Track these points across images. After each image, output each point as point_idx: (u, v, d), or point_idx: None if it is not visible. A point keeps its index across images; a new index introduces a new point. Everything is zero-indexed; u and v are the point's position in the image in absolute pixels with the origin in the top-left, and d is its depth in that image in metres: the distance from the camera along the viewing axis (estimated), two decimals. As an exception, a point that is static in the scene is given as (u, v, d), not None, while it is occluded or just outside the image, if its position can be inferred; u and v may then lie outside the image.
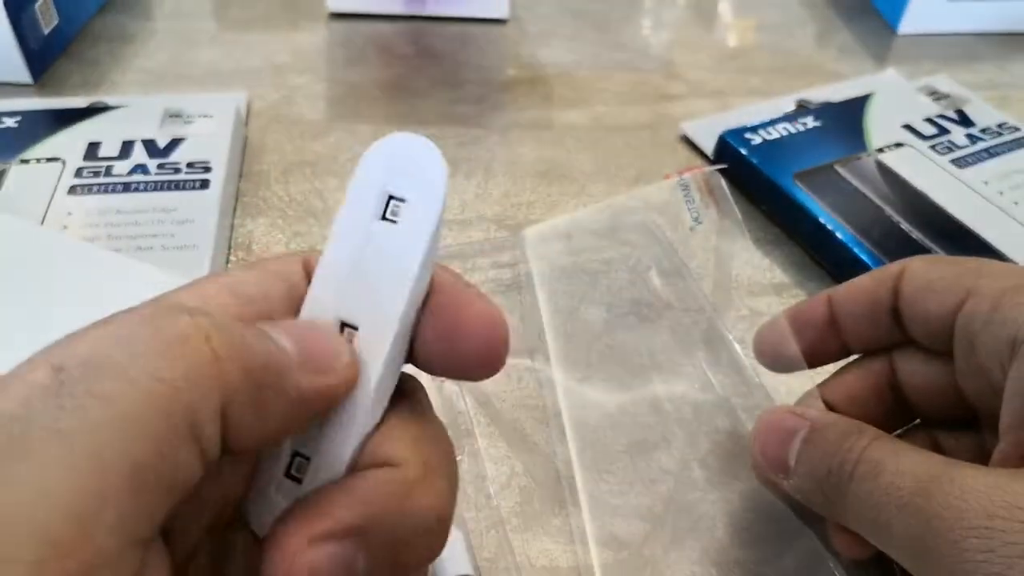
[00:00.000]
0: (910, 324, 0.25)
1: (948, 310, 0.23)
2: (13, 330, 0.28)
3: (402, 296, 0.16)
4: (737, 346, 0.33)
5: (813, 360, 0.27)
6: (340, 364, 0.15)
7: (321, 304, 0.16)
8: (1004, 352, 0.21)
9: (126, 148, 0.39)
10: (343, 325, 0.16)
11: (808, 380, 0.27)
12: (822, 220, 0.37)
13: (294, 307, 0.16)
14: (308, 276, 0.17)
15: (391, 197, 0.16)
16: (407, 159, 0.16)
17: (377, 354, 0.16)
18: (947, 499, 0.19)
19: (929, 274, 0.24)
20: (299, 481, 0.16)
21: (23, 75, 0.46)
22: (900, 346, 0.26)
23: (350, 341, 0.16)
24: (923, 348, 0.25)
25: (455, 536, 0.26)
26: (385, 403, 0.16)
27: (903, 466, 0.20)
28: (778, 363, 0.28)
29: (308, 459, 0.16)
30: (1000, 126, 0.44)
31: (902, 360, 0.26)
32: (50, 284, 0.31)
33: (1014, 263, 0.35)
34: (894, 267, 0.25)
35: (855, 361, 0.27)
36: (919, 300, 0.24)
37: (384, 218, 0.16)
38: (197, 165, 0.39)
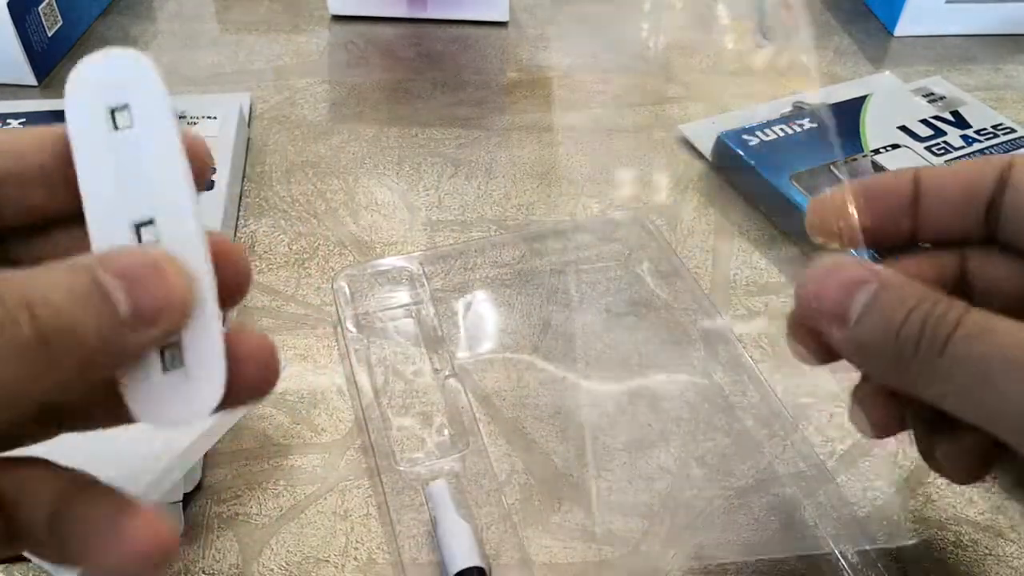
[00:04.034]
0: (1012, 221, 0.22)
1: None
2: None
3: (184, 177, 0.17)
4: (737, 345, 0.34)
5: (873, 239, 0.24)
6: (175, 304, 0.16)
7: (105, 216, 0.16)
8: None
9: (130, 149, 0.40)
10: (137, 226, 0.17)
11: (820, 379, 0.28)
12: (819, 221, 0.38)
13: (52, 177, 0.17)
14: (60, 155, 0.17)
15: (113, 110, 0.17)
16: (110, 68, 0.17)
17: (189, 239, 0.16)
18: None
19: None
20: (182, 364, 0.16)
21: (27, 77, 0.47)
22: (977, 244, 0.23)
23: (151, 236, 0.17)
24: (1008, 249, 0.23)
25: (465, 529, 0.26)
26: (210, 259, 0.17)
27: (1018, 333, 0.18)
28: (831, 234, 0.24)
29: (178, 346, 0.16)
30: (995, 127, 0.44)
31: (979, 259, 0.23)
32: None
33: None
34: (999, 158, 0.23)
35: (918, 251, 0.24)
36: None
37: (118, 128, 0.17)
38: (201, 166, 0.39)
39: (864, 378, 0.23)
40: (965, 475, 0.22)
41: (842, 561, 0.27)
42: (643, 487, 0.29)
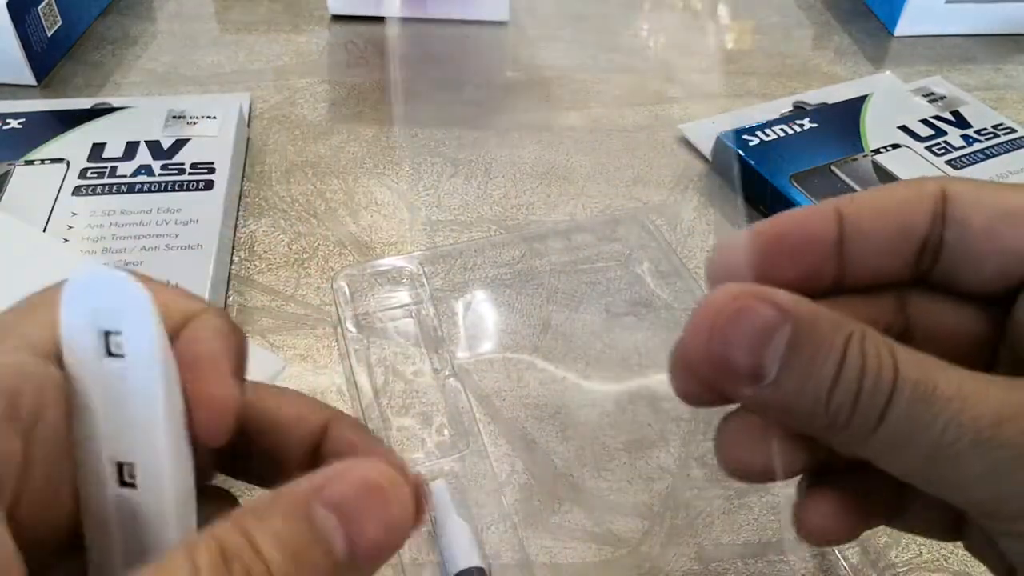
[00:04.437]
0: (956, 258, 0.19)
1: None
2: None
3: (162, 425, 0.16)
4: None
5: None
6: (395, 540, 0.15)
7: (92, 448, 0.16)
8: None
9: (130, 149, 0.40)
10: (120, 465, 0.16)
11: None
12: (819, 221, 0.38)
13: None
14: (56, 354, 0.16)
15: (107, 332, 0.16)
16: (104, 292, 0.16)
17: (162, 481, 0.16)
18: None
19: (996, 199, 0.18)
20: None
21: (27, 77, 0.47)
22: (911, 285, 0.20)
23: (131, 477, 0.16)
24: (946, 288, 0.19)
25: (464, 529, 0.26)
26: (192, 519, 0.16)
27: (965, 388, 0.15)
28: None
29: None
30: (996, 127, 0.44)
31: (920, 300, 0.20)
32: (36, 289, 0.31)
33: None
34: (925, 187, 0.19)
35: (851, 296, 0.20)
36: (988, 231, 0.18)
37: (110, 354, 0.16)
38: (201, 166, 0.39)
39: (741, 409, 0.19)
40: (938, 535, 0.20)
41: (842, 562, 0.27)
42: (643, 487, 0.29)
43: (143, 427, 0.16)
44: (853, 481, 0.20)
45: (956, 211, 0.18)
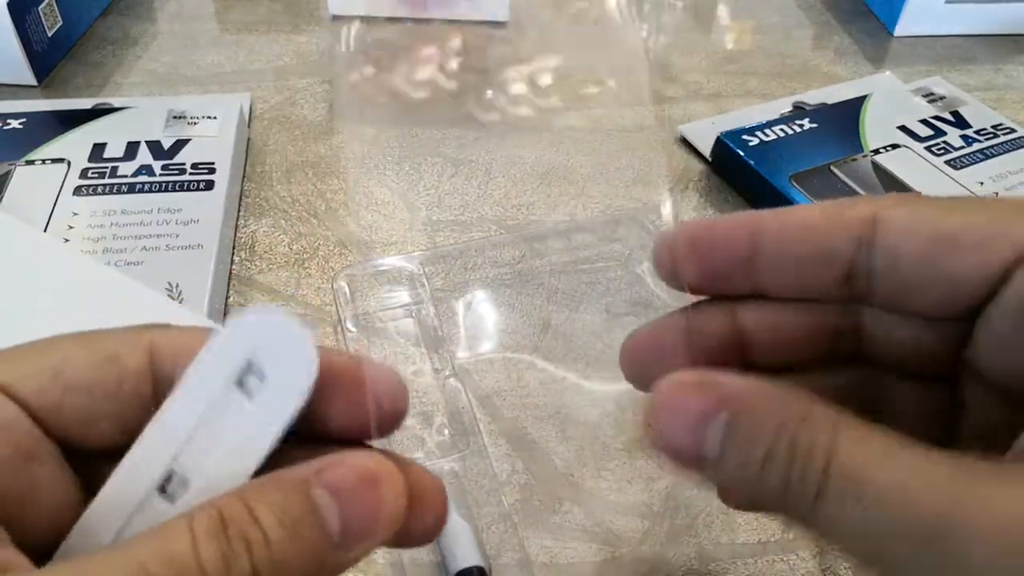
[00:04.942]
0: (893, 285, 0.18)
1: (990, 274, 0.16)
2: None
3: (246, 472, 0.15)
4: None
5: (708, 293, 0.20)
6: (384, 524, 0.15)
7: (151, 455, 0.15)
8: None
9: (131, 149, 0.40)
10: (170, 475, 0.15)
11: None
12: (818, 221, 0.38)
13: (120, 402, 0.16)
14: (153, 368, 0.16)
15: (252, 368, 0.15)
16: (279, 339, 0.15)
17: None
18: (979, 532, 0.14)
19: (932, 223, 0.17)
20: None
21: (27, 77, 0.47)
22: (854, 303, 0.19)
23: (172, 490, 0.15)
24: (894, 310, 0.19)
25: (464, 529, 0.26)
26: None
27: (898, 478, 0.14)
28: (674, 284, 0.20)
29: None
30: (995, 127, 0.44)
31: (878, 313, 0.19)
32: (35, 290, 0.31)
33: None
34: (851, 210, 0.18)
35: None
36: (921, 259, 0.17)
37: (241, 387, 0.15)
38: (201, 166, 0.39)
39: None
40: None
41: (843, 561, 0.27)
42: (643, 487, 0.29)
43: (226, 466, 0.15)
44: None
45: (886, 238, 0.18)
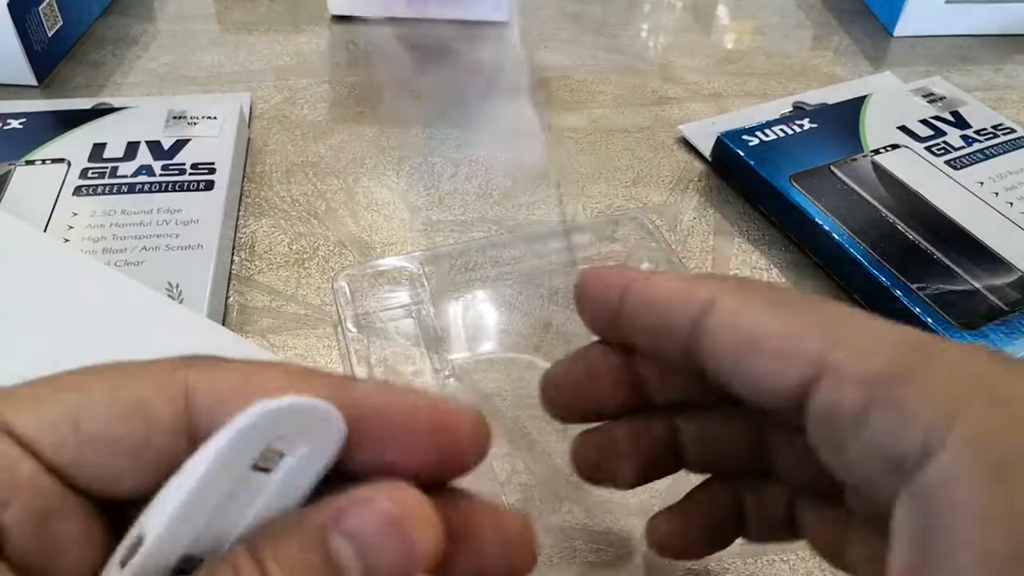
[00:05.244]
0: (715, 368, 0.18)
1: (789, 385, 0.17)
2: None
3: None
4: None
5: (595, 332, 0.22)
6: (414, 567, 0.14)
7: (166, 547, 0.14)
8: (883, 474, 0.15)
9: (131, 149, 0.40)
10: (188, 557, 0.14)
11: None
12: (818, 221, 0.38)
13: (146, 459, 0.15)
14: (188, 418, 0.15)
15: (273, 447, 0.15)
16: (300, 417, 0.14)
17: None
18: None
19: (752, 323, 0.17)
20: None
21: (28, 77, 0.47)
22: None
23: (190, 568, 0.14)
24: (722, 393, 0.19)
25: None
26: None
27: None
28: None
29: None
30: (995, 127, 0.44)
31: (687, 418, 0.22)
32: (35, 290, 0.31)
33: (1011, 263, 0.36)
34: (698, 290, 0.19)
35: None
36: (738, 357, 0.18)
37: (257, 468, 0.14)
38: (201, 166, 0.39)
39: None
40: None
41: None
42: (643, 487, 0.29)
43: (232, 532, 0.15)
44: (699, 501, 0.23)
45: (710, 328, 0.18)
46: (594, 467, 0.23)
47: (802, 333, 0.17)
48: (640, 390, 0.22)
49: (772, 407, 0.17)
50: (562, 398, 0.23)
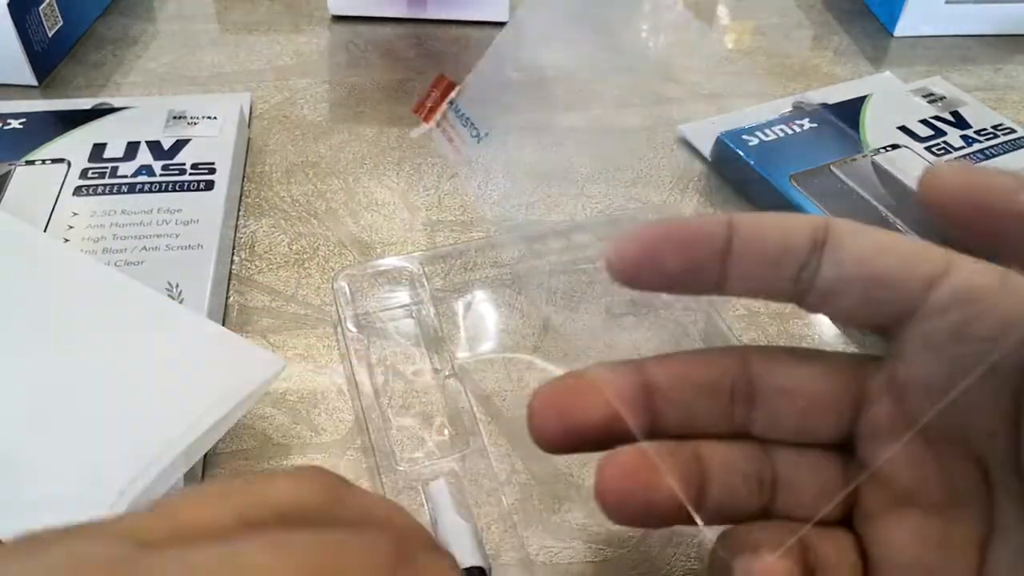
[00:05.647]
0: (829, 284, 0.20)
1: (921, 276, 0.19)
2: None
3: None
4: (737, 345, 0.34)
5: (679, 287, 0.22)
6: None
7: None
8: (1018, 345, 0.18)
9: (131, 149, 0.40)
10: None
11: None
12: (818, 221, 0.38)
13: None
14: None
15: None
16: None
17: None
18: None
19: (873, 236, 0.20)
20: None
21: (28, 77, 0.47)
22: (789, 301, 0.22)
23: None
24: (815, 310, 0.21)
25: (465, 529, 0.26)
26: None
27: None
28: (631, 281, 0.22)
29: None
30: (995, 128, 0.44)
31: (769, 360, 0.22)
32: (35, 290, 0.31)
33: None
34: (812, 218, 0.21)
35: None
36: (859, 259, 0.20)
37: None
38: (202, 166, 0.39)
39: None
40: None
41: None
42: (643, 487, 0.29)
43: None
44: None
45: (834, 239, 0.20)
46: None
47: (925, 243, 0.20)
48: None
49: (879, 313, 0.20)
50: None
